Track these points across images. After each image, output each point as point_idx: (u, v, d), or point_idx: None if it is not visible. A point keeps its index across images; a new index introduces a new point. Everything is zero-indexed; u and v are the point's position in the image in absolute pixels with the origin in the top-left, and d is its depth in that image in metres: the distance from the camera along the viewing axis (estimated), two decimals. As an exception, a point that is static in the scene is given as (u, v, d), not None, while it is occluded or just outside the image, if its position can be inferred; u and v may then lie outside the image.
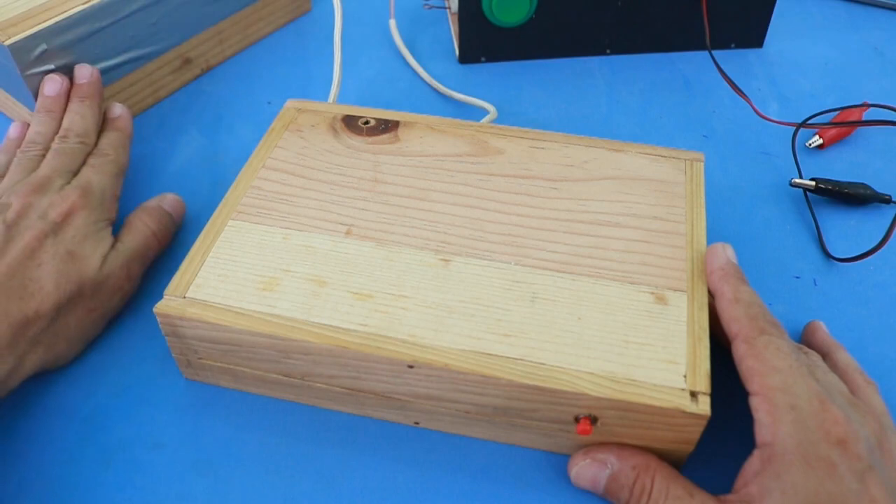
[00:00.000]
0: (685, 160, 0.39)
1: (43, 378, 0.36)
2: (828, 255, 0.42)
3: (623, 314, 0.32)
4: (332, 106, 0.44)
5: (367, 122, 0.42)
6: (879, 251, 0.40)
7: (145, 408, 0.35)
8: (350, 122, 0.42)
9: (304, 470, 0.33)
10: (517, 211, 0.37)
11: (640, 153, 0.40)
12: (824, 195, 0.45)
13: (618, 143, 0.40)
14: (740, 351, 0.30)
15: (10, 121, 0.51)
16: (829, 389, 0.29)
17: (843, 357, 0.34)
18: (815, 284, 0.41)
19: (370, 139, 0.41)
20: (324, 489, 0.33)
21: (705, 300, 0.33)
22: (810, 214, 0.44)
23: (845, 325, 0.39)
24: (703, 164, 0.39)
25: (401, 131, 0.41)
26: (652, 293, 0.33)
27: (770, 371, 0.29)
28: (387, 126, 0.42)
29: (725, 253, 0.34)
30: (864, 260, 0.41)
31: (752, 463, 0.28)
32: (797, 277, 0.41)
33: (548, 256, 0.34)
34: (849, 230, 0.44)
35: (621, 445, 0.31)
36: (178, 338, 0.34)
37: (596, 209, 0.37)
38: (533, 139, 0.41)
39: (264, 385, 0.35)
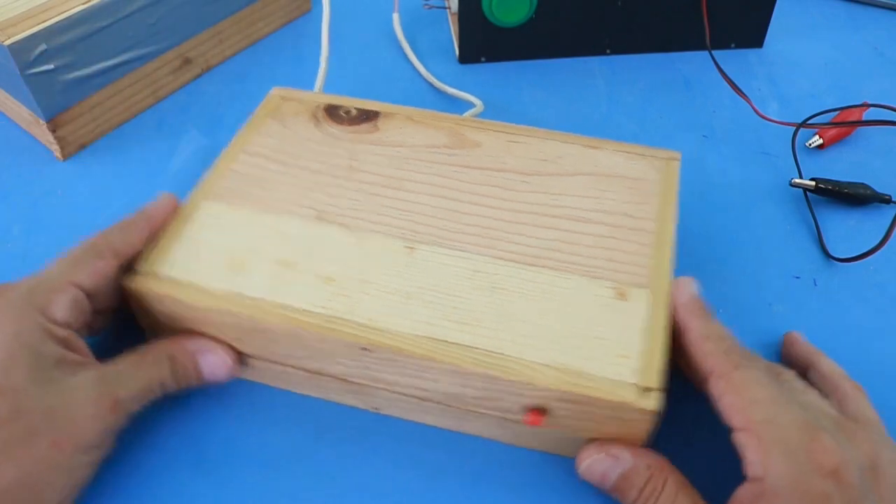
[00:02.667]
0: (661, 159, 0.39)
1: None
2: (828, 255, 0.42)
3: (581, 308, 0.32)
4: (317, 95, 0.44)
5: (348, 112, 0.42)
6: (879, 251, 0.40)
7: (145, 408, 0.35)
8: (332, 112, 0.42)
9: (304, 469, 0.33)
10: (488, 203, 0.37)
11: (617, 150, 0.40)
12: (824, 195, 0.45)
13: (594, 140, 0.40)
14: (718, 388, 0.29)
15: (10, 120, 0.52)
16: (815, 415, 0.29)
17: (828, 364, 0.34)
18: (815, 284, 0.41)
19: (350, 128, 0.41)
20: (324, 489, 0.33)
21: (667, 298, 0.33)
22: (810, 214, 0.44)
23: (845, 325, 0.39)
24: (679, 163, 0.39)
25: (381, 121, 0.42)
26: (613, 288, 0.33)
27: (751, 405, 0.28)
28: (367, 116, 0.42)
29: (690, 288, 0.33)
30: (864, 260, 0.41)
31: (743, 497, 0.28)
32: (797, 277, 0.41)
33: (513, 248, 0.35)
34: (849, 230, 0.44)
35: (635, 444, 0.31)
36: (147, 313, 0.34)
37: (567, 204, 0.37)
38: (511, 133, 0.41)
39: None
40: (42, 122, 0.46)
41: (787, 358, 0.36)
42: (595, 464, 0.31)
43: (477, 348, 0.31)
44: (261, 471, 0.33)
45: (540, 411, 0.31)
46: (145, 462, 0.34)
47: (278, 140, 0.41)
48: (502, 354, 0.30)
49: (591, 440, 0.31)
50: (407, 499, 0.32)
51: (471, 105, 0.51)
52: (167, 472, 0.33)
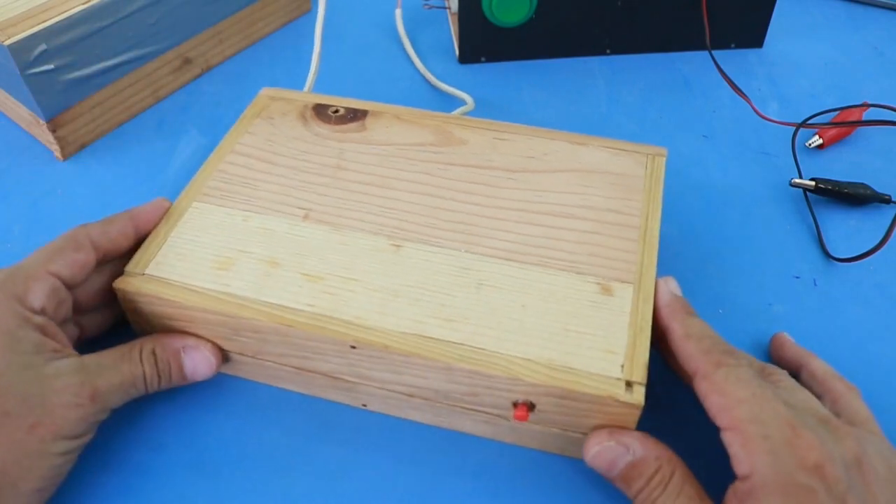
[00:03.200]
0: (647, 154, 0.39)
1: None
2: (828, 255, 0.42)
3: (567, 303, 0.32)
4: (305, 95, 0.44)
5: (336, 111, 0.42)
6: (879, 251, 0.40)
7: (144, 408, 0.36)
8: (320, 111, 0.43)
9: (298, 466, 0.33)
10: (473, 200, 0.37)
11: (602, 147, 0.40)
12: (824, 195, 0.45)
13: (581, 137, 0.41)
14: (702, 388, 0.30)
15: (10, 120, 0.52)
16: (799, 412, 0.29)
17: (819, 366, 0.34)
18: (815, 284, 0.41)
19: (337, 127, 0.41)
20: (317, 486, 0.33)
21: (651, 293, 0.33)
22: (810, 214, 0.44)
23: (845, 325, 0.39)
24: (664, 158, 0.39)
25: (368, 120, 0.42)
26: (598, 283, 0.33)
27: (736, 404, 0.28)
28: (355, 115, 0.42)
29: (668, 287, 0.33)
30: (864, 260, 0.41)
31: (733, 496, 0.28)
32: (797, 277, 0.41)
33: (498, 245, 0.35)
34: (849, 230, 0.44)
35: (643, 434, 0.31)
36: (137, 313, 0.35)
37: (552, 200, 0.37)
38: (497, 131, 0.41)
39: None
40: (42, 122, 0.46)
41: (777, 360, 0.36)
42: (605, 451, 0.31)
43: (463, 345, 0.31)
44: (256, 469, 0.33)
45: (527, 406, 0.31)
46: (142, 462, 0.34)
47: (266, 140, 0.41)
48: (488, 350, 0.31)
49: (599, 427, 0.31)
50: (397, 495, 0.32)
51: (462, 103, 0.51)
52: (164, 471, 0.33)
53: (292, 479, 0.33)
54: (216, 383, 0.36)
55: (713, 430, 0.30)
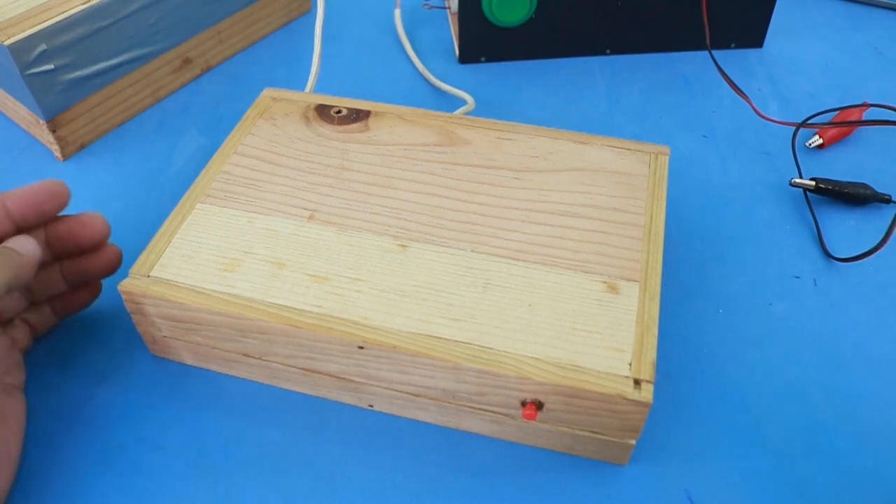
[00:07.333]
0: (650, 153, 0.40)
1: (41, 381, 0.36)
2: (828, 255, 0.42)
3: (573, 302, 0.32)
4: (307, 95, 0.44)
5: (339, 112, 0.43)
6: (879, 251, 0.40)
7: (144, 408, 0.36)
8: (323, 111, 0.43)
9: (301, 467, 0.33)
10: (478, 200, 0.37)
11: (606, 146, 0.40)
12: (824, 195, 0.45)
13: (584, 136, 0.41)
14: None
15: (9, 121, 0.52)
16: None
17: None
18: (815, 284, 0.41)
19: (340, 128, 0.42)
20: (321, 487, 0.33)
21: (657, 291, 0.33)
22: (810, 214, 0.44)
23: (845, 325, 0.39)
24: (668, 157, 0.39)
25: (371, 121, 0.42)
26: (604, 282, 0.33)
27: None
28: (358, 115, 0.42)
29: None
30: (864, 260, 0.41)
31: None
32: (797, 277, 0.41)
33: (504, 244, 0.35)
34: (849, 230, 0.44)
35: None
36: (143, 315, 0.35)
37: (556, 199, 0.37)
38: (501, 130, 0.41)
39: (225, 364, 0.36)
40: (42, 122, 0.47)
41: None
42: None
43: (471, 344, 0.31)
44: (259, 470, 0.33)
45: (535, 405, 0.31)
46: (142, 462, 0.34)
47: (269, 141, 0.41)
48: (496, 350, 0.31)
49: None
50: (403, 496, 0.32)
51: (463, 102, 0.51)
52: (164, 471, 0.33)
53: (292, 479, 0.33)
54: (216, 383, 0.36)
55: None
